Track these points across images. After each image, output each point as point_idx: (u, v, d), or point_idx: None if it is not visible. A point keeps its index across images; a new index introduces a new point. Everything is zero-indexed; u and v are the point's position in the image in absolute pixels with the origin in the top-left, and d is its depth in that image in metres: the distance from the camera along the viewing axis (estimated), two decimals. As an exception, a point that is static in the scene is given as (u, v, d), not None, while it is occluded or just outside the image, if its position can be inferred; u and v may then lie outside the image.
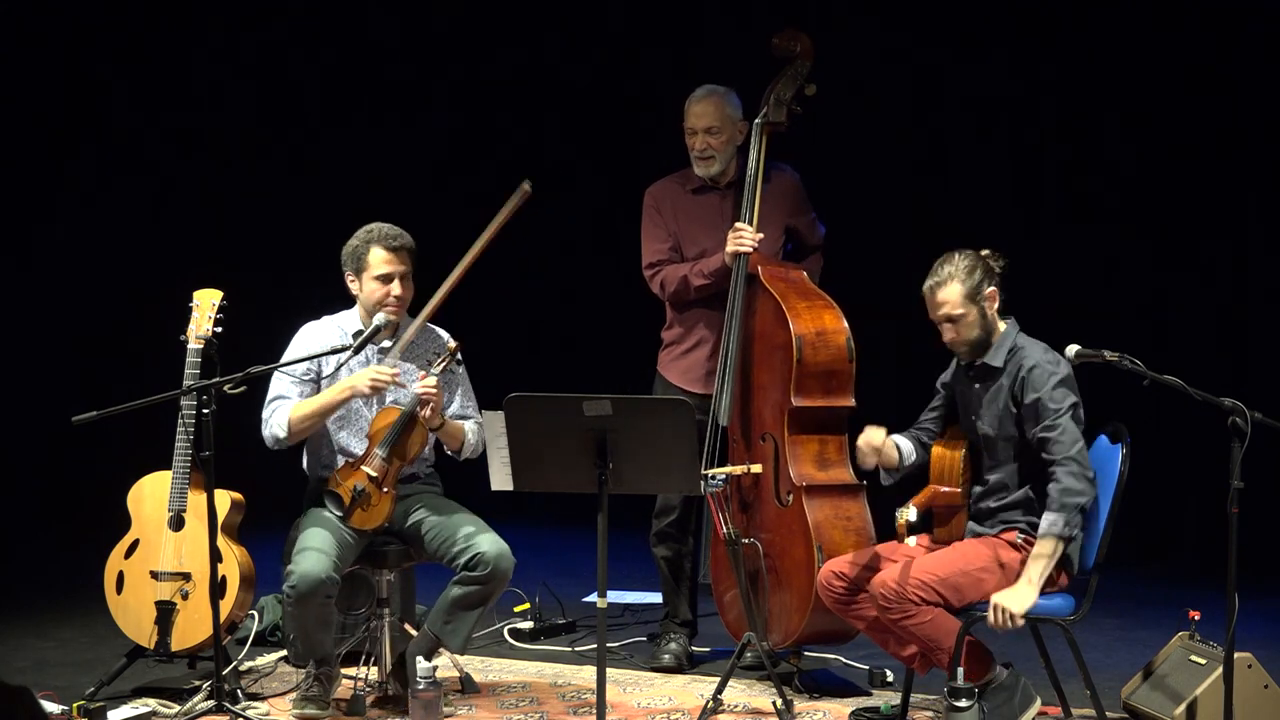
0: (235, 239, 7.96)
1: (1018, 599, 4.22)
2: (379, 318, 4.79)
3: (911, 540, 4.40)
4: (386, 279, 4.82)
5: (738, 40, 6.87)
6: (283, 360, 4.85)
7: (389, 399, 4.87)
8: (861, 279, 5.88)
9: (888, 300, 7.35)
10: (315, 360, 4.86)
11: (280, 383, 4.86)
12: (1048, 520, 4.25)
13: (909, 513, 4.36)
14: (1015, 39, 7.29)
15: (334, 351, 4.80)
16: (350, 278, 4.91)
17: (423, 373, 4.78)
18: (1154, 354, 4.40)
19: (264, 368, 4.75)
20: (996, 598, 4.23)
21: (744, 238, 5.13)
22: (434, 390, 4.73)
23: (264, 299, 5.21)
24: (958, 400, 4.61)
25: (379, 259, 4.83)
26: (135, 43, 7.92)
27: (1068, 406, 4.31)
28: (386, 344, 4.87)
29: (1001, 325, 4.48)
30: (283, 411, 4.82)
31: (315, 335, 4.92)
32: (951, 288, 4.40)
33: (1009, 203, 7.39)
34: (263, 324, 5.44)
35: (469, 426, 4.96)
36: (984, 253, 4.46)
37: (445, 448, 5.00)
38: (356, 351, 4.78)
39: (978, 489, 4.50)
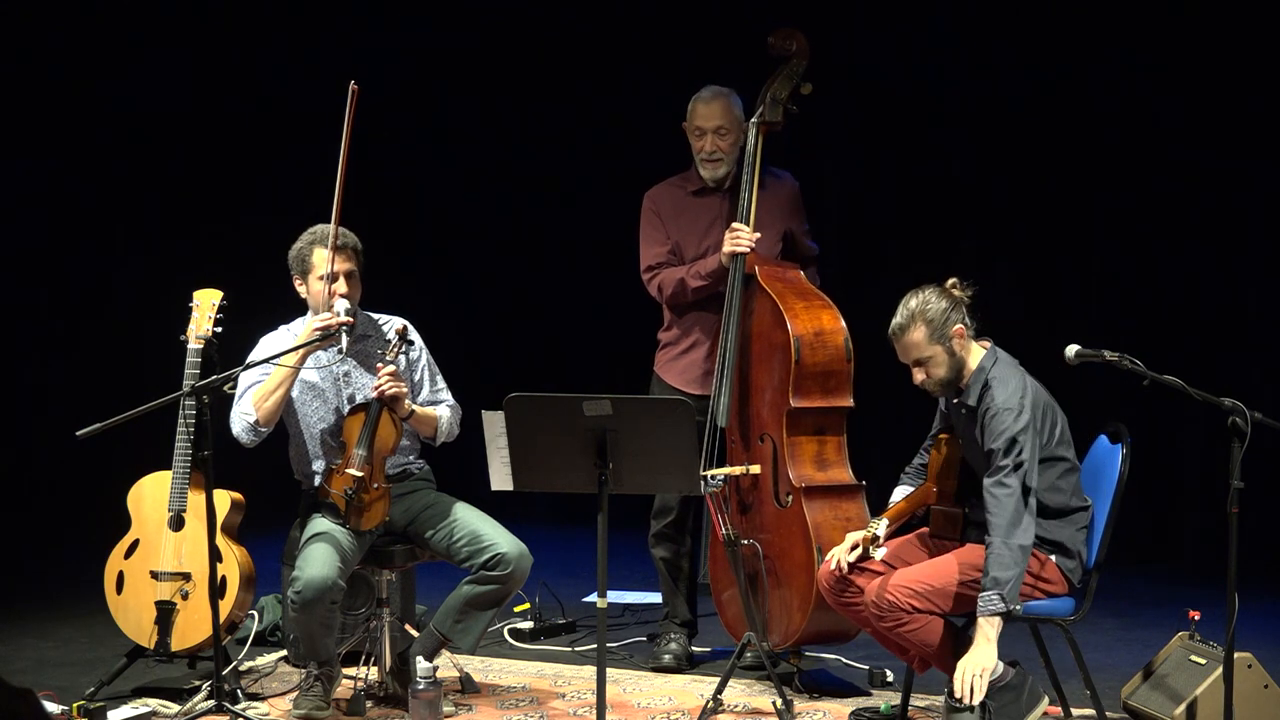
0: (235, 238, 7.97)
1: (984, 658, 4.12)
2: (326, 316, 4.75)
3: (878, 554, 4.37)
4: (332, 279, 4.80)
5: (733, 39, 6.87)
6: (245, 364, 4.82)
7: (358, 397, 4.88)
8: (860, 277, 5.91)
9: (886, 299, 7.37)
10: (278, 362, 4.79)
11: (244, 388, 4.83)
12: (983, 600, 4.12)
13: (878, 526, 4.36)
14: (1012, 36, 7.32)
15: (295, 350, 4.73)
16: (298, 281, 4.90)
17: (380, 365, 4.79)
18: (1154, 354, 4.39)
19: (240, 368, 4.75)
20: (963, 664, 4.12)
21: (741, 238, 5.12)
22: (395, 380, 4.74)
23: (264, 299, 5.19)
24: (955, 423, 4.53)
25: (323, 259, 4.82)
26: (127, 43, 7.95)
27: (1013, 465, 4.17)
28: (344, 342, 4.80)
29: (975, 356, 4.35)
30: (246, 398, 4.81)
31: (273, 345, 4.90)
32: (915, 331, 4.30)
33: (1007, 201, 7.39)
34: (263, 324, 5.44)
35: (441, 410, 4.96)
36: (949, 283, 4.35)
37: (421, 435, 5.00)
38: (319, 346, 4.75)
39: (975, 500, 4.41)
